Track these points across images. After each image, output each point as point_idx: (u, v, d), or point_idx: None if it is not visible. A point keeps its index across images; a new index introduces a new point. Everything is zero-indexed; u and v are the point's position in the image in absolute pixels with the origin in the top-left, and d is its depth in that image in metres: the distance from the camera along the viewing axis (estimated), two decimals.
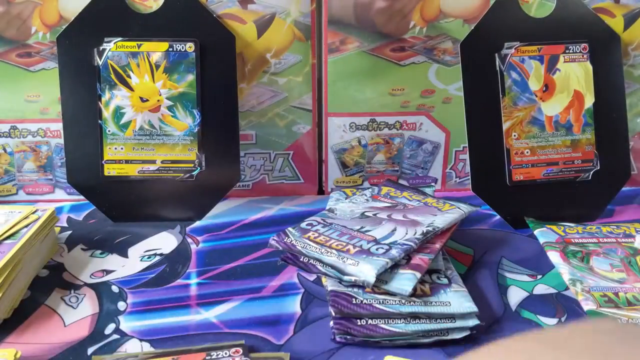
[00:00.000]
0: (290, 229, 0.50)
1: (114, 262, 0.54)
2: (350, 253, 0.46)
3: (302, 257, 0.47)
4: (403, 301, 0.44)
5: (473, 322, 0.43)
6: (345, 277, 0.45)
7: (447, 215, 0.53)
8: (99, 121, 0.59)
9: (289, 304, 0.48)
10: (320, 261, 0.46)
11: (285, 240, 0.48)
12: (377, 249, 0.46)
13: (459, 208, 0.55)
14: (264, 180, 0.66)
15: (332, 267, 0.45)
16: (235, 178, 0.61)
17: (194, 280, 0.51)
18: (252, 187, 0.66)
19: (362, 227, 0.50)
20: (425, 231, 0.49)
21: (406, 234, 0.49)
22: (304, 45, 0.62)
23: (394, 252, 0.46)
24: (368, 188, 0.61)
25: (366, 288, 0.45)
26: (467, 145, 0.59)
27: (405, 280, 0.45)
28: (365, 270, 0.44)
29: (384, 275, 0.45)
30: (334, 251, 0.46)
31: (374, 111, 0.64)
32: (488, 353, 0.23)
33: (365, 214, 0.53)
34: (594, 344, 0.21)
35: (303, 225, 0.50)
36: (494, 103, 0.59)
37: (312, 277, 0.51)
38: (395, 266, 0.46)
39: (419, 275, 0.45)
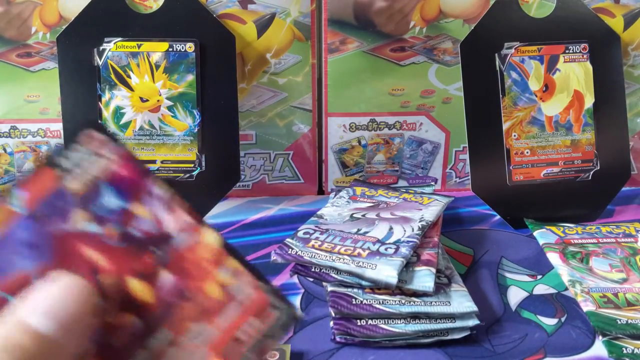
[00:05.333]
0: (289, 240, 0.48)
1: None
2: (363, 257, 0.45)
3: (314, 267, 0.46)
4: (403, 301, 0.44)
5: (473, 322, 0.43)
6: (364, 282, 0.44)
7: (431, 208, 0.54)
8: (99, 121, 0.59)
9: None
10: (334, 269, 0.45)
11: (289, 252, 0.47)
12: (386, 249, 0.46)
13: (437, 200, 0.57)
14: (264, 180, 0.66)
15: (349, 273, 0.45)
16: (235, 178, 0.61)
17: None
18: (252, 187, 0.66)
19: (359, 230, 0.50)
20: (420, 226, 0.50)
21: (404, 231, 0.49)
22: (304, 45, 0.62)
23: (404, 250, 0.46)
24: (341, 190, 0.61)
25: (378, 290, 0.44)
26: (467, 145, 0.59)
27: (424, 277, 0.45)
28: (385, 272, 0.44)
29: (402, 275, 0.44)
30: (345, 257, 0.45)
31: (374, 111, 0.64)
32: None
33: (354, 215, 0.53)
34: None
35: (300, 234, 0.49)
36: (494, 103, 0.59)
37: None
38: (407, 264, 0.46)
39: (434, 270, 0.45)
